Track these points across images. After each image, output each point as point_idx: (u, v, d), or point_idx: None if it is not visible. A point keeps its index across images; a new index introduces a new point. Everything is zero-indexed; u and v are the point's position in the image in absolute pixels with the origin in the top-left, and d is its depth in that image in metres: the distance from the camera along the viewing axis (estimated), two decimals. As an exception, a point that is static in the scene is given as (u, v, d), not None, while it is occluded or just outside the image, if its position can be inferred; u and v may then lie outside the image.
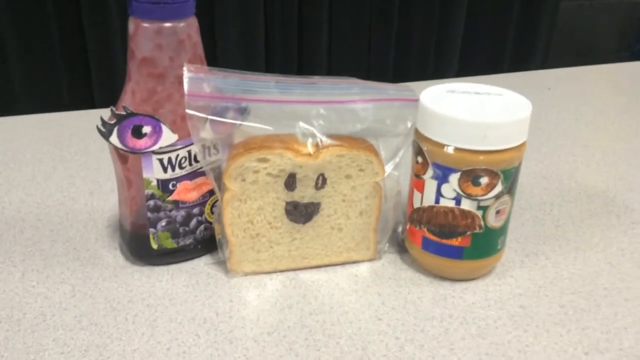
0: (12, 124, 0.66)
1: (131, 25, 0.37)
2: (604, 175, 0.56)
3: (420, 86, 0.41)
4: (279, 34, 1.26)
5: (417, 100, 0.41)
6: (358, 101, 0.40)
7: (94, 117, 0.70)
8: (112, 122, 0.37)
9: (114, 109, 0.37)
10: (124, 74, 0.38)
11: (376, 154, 0.40)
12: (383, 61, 1.41)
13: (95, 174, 0.55)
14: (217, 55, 1.18)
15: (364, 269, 0.42)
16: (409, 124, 0.41)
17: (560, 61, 1.74)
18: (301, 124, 0.39)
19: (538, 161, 0.59)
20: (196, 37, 0.38)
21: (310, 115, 0.39)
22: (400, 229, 0.45)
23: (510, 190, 0.38)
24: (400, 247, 0.44)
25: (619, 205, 0.51)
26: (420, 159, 0.39)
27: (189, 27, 0.37)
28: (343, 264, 0.43)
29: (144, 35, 0.37)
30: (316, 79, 0.41)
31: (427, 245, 0.40)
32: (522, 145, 0.38)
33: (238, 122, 0.38)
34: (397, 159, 0.41)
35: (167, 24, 0.37)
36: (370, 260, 0.43)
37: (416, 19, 1.40)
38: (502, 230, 0.40)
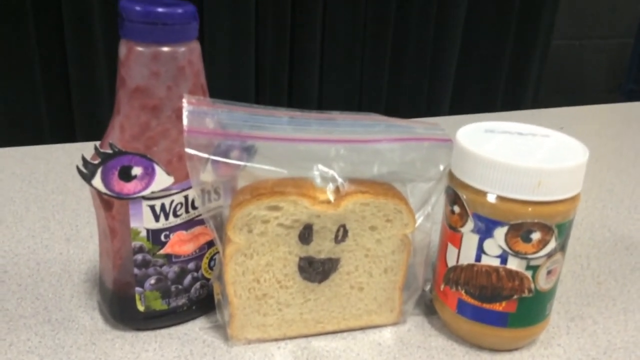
0: (-18, 158, 0.59)
1: (123, 49, 0.31)
2: (637, 224, 0.52)
3: (442, 121, 0.36)
4: (270, 67, 1.21)
5: (449, 140, 0.36)
6: (383, 140, 0.35)
7: (73, 150, 0.64)
8: (96, 162, 0.31)
9: (98, 146, 0.31)
10: (109, 103, 0.32)
11: (406, 202, 0.34)
12: (374, 96, 1.38)
13: (73, 216, 0.49)
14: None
15: (387, 335, 0.36)
16: (442, 168, 0.35)
17: (551, 99, 1.73)
18: (319, 166, 0.33)
19: (565, 207, 0.54)
20: (198, 64, 0.33)
21: (329, 156, 0.34)
22: (428, 287, 0.39)
23: (563, 247, 0.33)
24: (428, 307, 0.39)
25: (662, 258, 0.46)
26: (457, 209, 0.33)
27: (190, 52, 0.32)
28: (363, 329, 0.37)
29: (138, 60, 0.31)
30: (335, 114, 0.36)
31: (463, 309, 0.35)
32: (578, 195, 0.32)
33: (244, 163, 0.33)
34: (428, 208, 0.36)
35: (166, 48, 0.31)
36: (394, 324, 0.37)
37: (409, 54, 1.37)
38: (552, 293, 0.34)
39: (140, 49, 0.31)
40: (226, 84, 1.17)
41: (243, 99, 1.19)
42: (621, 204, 0.55)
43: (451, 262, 0.34)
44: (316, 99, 1.32)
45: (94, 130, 1.05)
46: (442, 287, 0.35)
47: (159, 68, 0.31)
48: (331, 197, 0.33)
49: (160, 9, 0.30)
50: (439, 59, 1.43)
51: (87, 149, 0.32)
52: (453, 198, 0.34)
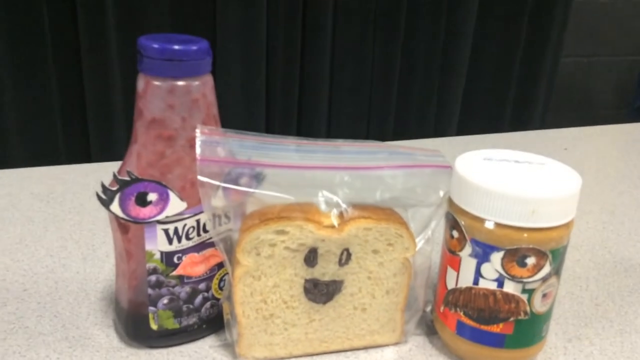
0: (3, 179, 0.61)
1: (141, 82, 0.33)
2: (637, 246, 0.53)
3: (423, 144, 0.38)
4: (280, 88, 1.24)
5: (449, 167, 0.37)
6: (385, 167, 0.37)
7: (90, 171, 0.66)
8: (114, 188, 0.33)
9: (116, 173, 0.34)
10: (124, 124, 0.34)
11: (407, 226, 0.36)
12: (383, 117, 1.39)
13: (90, 235, 0.51)
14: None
15: (389, 355, 0.38)
16: (442, 193, 0.37)
17: (559, 117, 1.74)
18: (324, 192, 0.35)
19: (566, 229, 0.55)
20: (211, 97, 0.35)
21: (334, 183, 0.36)
22: (429, 308, 0.40)
23: (557, 271, 0.34)
24: (429, 328, 0.40)
25: (660, 281, 0.47)
26: (456, 234, 0.35)
27: (204, 86, 0.34)
28: (366, 348, 0.38)
29: (155, 94, 0.33)
30: (340, 142, 0.38)
31: (462, 330, 0.36)
32: (571, 222, 0.34)
33: (253, 189, 0.35)
34: (428, 232, 0.37)
35: (181, 83, 0.33)
36: (396, 344, 0.39)
37: (417, 75, 1.39)
38: (548, 316, 0.36)
39: (157, 83, 0.33)
40: (238, 108, 1.19)
41: (255, 112, 1.21)
42: (622, 226, 0.56)
43: (450, 285, 0.36)
44: (326, 119, 1.34)
45: (108, 150, 1.08)
46: (442, 308, 0.37)
47: (175, 101, 0.33)
48: (335, 222, 0.34)
49: (176, 47, 0.33)
50: (447, 79, 1.45)
51: (102, 169, 0.34)
52: (452, 223, 0.35)
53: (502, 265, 0.33)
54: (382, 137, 1.42)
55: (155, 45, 0.32)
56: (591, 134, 0.84)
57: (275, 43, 1.19)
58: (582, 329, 0.41)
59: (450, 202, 0.36)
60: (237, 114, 1.20)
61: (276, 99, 1.25)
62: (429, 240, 0.37)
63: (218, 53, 1.14)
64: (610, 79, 1.88)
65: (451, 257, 0.36)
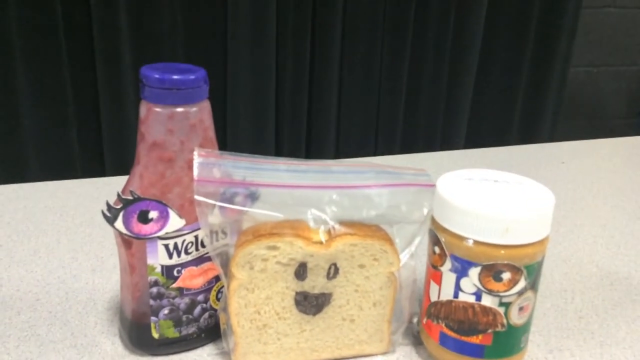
0: (19, 192, 0.65)
1: (143, 109, 0.36)
2: (625, 260, 0.54)
3: (428, 157, 0.40)
4: (289, 104, 1.27)
5: (433, 185, 0.39)
6: (372, 186, 0.39)
7: (101, 184, 0.69)
8: (119, 206, 0.36)
9: (120, 193, 0.36)
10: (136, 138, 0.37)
11: (391, 242, 0.38)
12: (391, 130, 1.41)
13: (99, 248, 0.54)
14: (226, 114, 1.18)
15: (377, 363, 0.40)
16: (425, 211, 0.39)
17: (569, 126, 1.75)
18: (313, 210, 0.38)
19: (557, 242, 0.57)
20: (208, 121, 0.38)
21: (322, 201, 0.38)
22: (415, 319, 0.42)
23: (533, 285, 0.36)
24: (416, 338, 0.42)
25: (644, 294, 0.49)
26: (437, 250, 0.37)
27: (201, 112, 0.37)
28: (355, 357, 0.40)
29: (156, 119, 0.36)
30: (330, 162, 0.40)
31: (445, 341, 0.38)
32: (546, 239, 0.36)
33: (246, 208, 0.37)
34: (412, 248, 0.39)
35: (180, 109, 0.36)
36: (384, 353, 0.41)
37: (424, 88, 1.41)
38: (526, 328, 0.38)
39: (158, 109, 0.36)
40: (248, 120, 1.22)
41: (263, 140, 1.24)
42: (611, 240, 0.58)
43: (433, 298, 0.38)
44: (334, 129, 1.36)
45: (121, 164, 1.12)
46: (425, 320, 0.39)
47: (174, 126, 0.36)
48: (323, 239, 0.37)
49: (175, 76, 0.35)
50: (455, 89, 1.46)
51: (114, 183, 0.36)
52: (434, 240, 0.37)
53: (480, 280, 0.35)
54: (390, 148, 1.44)
55: (156, 76, 0.35)
56: (592, 146, 0.85)
57: (285, 52, 1.21)
58: (564, 340, 0.43)
59: (433, 220, 0.38)
60: (247, 127, 1.23)
61: (285, 107, 1.28)
62: (413, 255, 0.39)
63: (230, 55, 1.17)
64: (621, 88, 1.88)
65: (434, 271, 0.38)
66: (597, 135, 0.95)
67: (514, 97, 1.55)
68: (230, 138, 1.23)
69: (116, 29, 1.07)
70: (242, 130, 1.23)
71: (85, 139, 1.15)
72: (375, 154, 1.42)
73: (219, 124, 1.15)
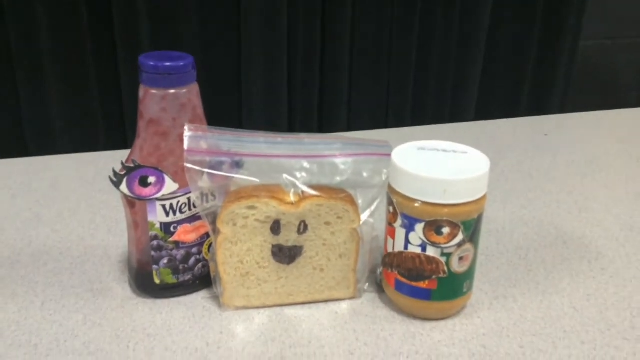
0: (47, 163, 0.73)
1: (141, 91, 0.43)
2: (583, 222, 0.60)
3: (435, 129, 0.46)
4: (300, 79, 1.32)
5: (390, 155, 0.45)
6: (338, 156, 0.45)
7: (119, 157, 0.77)
8: (122, 173, 0.43)
9: (124, 162, 0.43)
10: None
11: (352, 203, 0.45)
12: (402, 100, 1.46)
13: (114, 212, 0.61)
14: (241, 81, 1.23)
15: (344, 306, 0.47)
16: (384, 177, 0.45)
17: (584, 100, 1.76)
18: (285, 176, 0.44)
19: (522, 207, 0.63)
20: (196, 101, 0.44)
21: (294, 168, 0.45)
22: (379, 270, 0.49)
23: (472, 239, 0.42)
24: (378, 286, 0.49)
25: (592, 251, 0.54)
26: (391, 209, 0.44)
27: (189, 93, 0.43)
28: (326, 301, 0.47)
29: (152, 100, 0.43)
30: (303, 135, 0.46)
31: (399, 286, 0.45)
32: (482, 198, 0.42)
33: (229, 174, 0.44)
34: (372, 208, 0.46)
35: (171, 91, 0.43)
36: (351, 298, 0.48)
37: (433, 64, 1.44)
38: (467, 275, 0.44)
39: (153, 91, 0.43)
40: (261, 100, 1.27)
41: (277, 101, 1.30)
42: (574, 205, 0.63)
43: (389, 250, 0.45)
44: (345, 104, 1.41)
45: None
46: (382, 269, 0.46)
47: (167, 105, 0.43)
48: (293, 199, 0.44)
49: (167, 63, 0.42)
50: (464, 62, 1.49)
51: (125, 156, 0.43)
52: (389, 201, 0.44)
53: (424, 234, 0.42)
54: (401, 121, 1.49)
55: (151, 63, 0.42)
56: (585, 119, 0.89)
57: (296, 36, 1.26)
58: (510, 289, 0.49)
59: (389, 184, 0.44)
60: (261, 106, 1.29)
61: (297, 87, 1.33)
62: (373, 214, 0.46)
63: (244, 46, 1.22)
64: (636, 61, 1.88)
65: (389, 228, 0.44)
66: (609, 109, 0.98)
67: (523, 71, 1.57)
68: (245, 119, 1.29)
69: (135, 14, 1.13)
70: (257, 111, 1.28)
71: (109, 116, 1.23)
72: (387, 127, 1.46)
73: (235, 96, 1.21)
